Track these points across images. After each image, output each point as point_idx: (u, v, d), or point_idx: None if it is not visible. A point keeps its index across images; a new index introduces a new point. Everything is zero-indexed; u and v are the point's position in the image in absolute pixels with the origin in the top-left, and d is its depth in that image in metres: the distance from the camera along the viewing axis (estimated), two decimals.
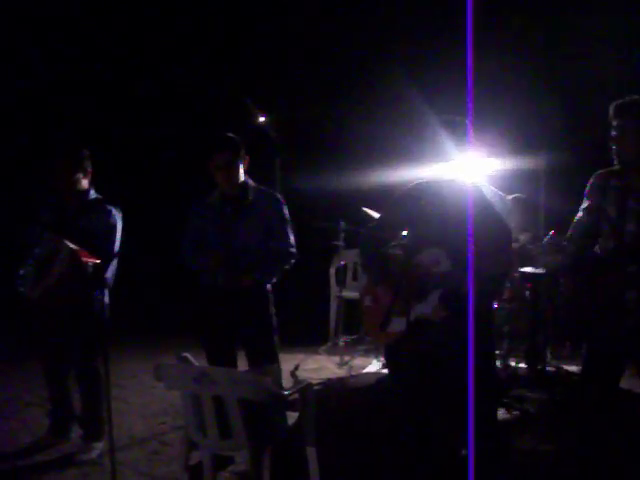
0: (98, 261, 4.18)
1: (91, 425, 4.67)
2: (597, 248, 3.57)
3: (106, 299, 4.60)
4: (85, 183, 4.61)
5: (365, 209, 6.42)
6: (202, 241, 4.38)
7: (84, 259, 4.16)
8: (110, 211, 4.58)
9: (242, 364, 4.48)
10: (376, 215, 6.25)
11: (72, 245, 4.24)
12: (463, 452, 4.13)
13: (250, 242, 4.31)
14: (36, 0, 8.49)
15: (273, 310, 4.47)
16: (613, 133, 3.47)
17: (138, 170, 9.24)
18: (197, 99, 9.13)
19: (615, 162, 3.52)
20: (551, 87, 7.93)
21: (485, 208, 3.52)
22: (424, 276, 3.46)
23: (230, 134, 4.40)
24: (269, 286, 4.47)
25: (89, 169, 4.63)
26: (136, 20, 8.88)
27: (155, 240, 8.44)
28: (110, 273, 4.55)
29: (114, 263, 4.56)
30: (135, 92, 9.18)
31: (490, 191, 3.62)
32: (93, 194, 4.65)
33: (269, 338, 4.44)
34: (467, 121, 3.62)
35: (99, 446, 4.61)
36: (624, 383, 3.99)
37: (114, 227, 4.57)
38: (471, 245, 3.35)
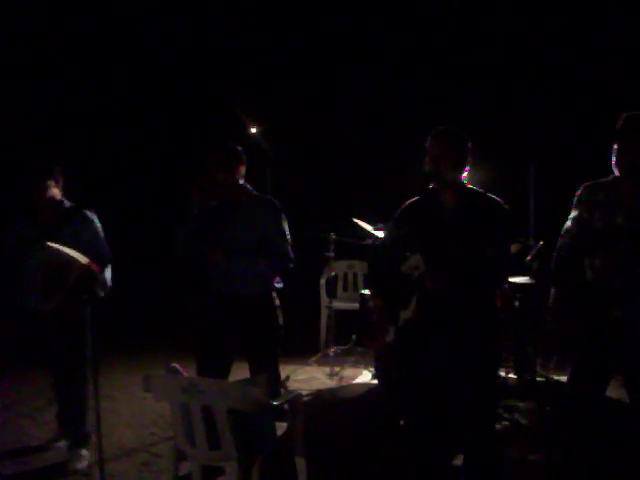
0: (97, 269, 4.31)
1: (77, 433, 4.64)
2: (585, 263, 3.55)
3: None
4: (57, 193, 4.62)
5: (356, 220, 6.43)
6: (197, 241, 4.39)
7: (93, 267, 4.25)
8: (91, 220, 4.63)
9: (237, 374, 4.48)
10: (367, 226, 6.28)
11: (76, 254, 4.25)
12: (454, 461, 4.15)
13: (243, 244, 4.31)
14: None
15: (280, 319, 4.46)
16: (621, 145, 3.40)
17: (134, 178, 9.27)
18: (190, 109, 9.17)
19: (616, 174, 3.46)
20: (543, 95, 7.98)
21: (480, 216, 3.55)
22: (406, 282, 3.50)
23: (226, 140, 4.47)
24: (275, 294, 4.47)
25: (60, 180, 4.64)
26: (128, 28, 8.90)
27: (146, 251, 8.45)
28: (108, 278, 4.60)
29: (110, 268, 4.62)
30: (130, 104, 9.22)
31: (487, 199, 3.64)
32: (67, 203, 4.67)
33: (271, 348, 4.44)
34: (461, 131, 3.65)
35: (87, 454, 4.59)
36: (613, 392, 4.01)
37: (98, 231, 4.64)
38: (462, 250, 3.41)
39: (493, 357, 3.77)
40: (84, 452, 4.60)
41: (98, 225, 4.66)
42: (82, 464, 4.54)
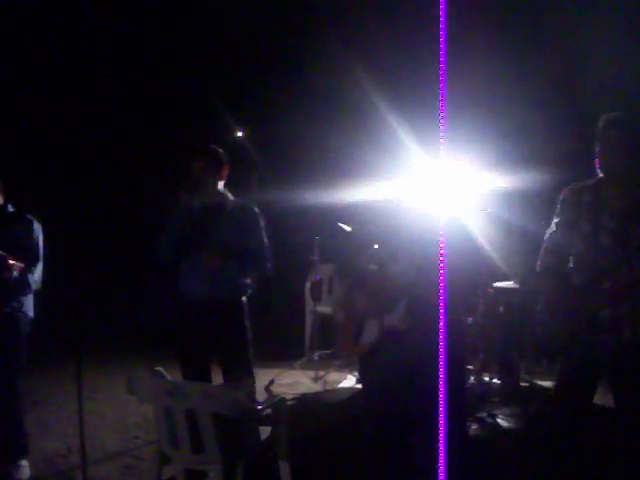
0: (22, 265, 4.24)
1: (11, 444, 4.43)
2: (571, 267, 3.56)
3: (30, 312, 4.51)
4: None
5: (340, 224, 6.44)
6: (179, 244, 4.39)
7: (10, 262, 4.19)
8: (31, 221, 4.52)
9: (216, 378, 4.48)
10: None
11: None
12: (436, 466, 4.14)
13: (226, 249, 4.30)
14: None
15: (248, 323, 4.49)
16: (600, 146, 3.42)
17: (116, 181, 9.24)
18: (176, 113, 9.14)
19: (599, 176, 3.47)
20: (529, 103, 8.00)
21: (457, 229, 3.56)
22: (393, 287, 3.51)
23: (210, 145, 4.48)
24: (244, 299, 4.50)
25: (1, 185, 4.55)
26: (109, 29, 8.86)
27: (128, 253, 8.41)
28: (37, 277, 4.48)
29: (40, 267, 4.49)
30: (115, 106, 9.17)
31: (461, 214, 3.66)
32: (10, 208, 4.56)
33: (245, 351, 4.46)
34: (441, 138, 3.65)
35: (27, 464, 4.43)
36: (599, 399, 4.01)
37: (37, 236, 4.50)
38: (442, 258, 3.40)
39: (462, 357, 3.83)
40: (24, 462, 4.44)
41: (37, 228, 4.52)
42: (24, 474, 4.39)
